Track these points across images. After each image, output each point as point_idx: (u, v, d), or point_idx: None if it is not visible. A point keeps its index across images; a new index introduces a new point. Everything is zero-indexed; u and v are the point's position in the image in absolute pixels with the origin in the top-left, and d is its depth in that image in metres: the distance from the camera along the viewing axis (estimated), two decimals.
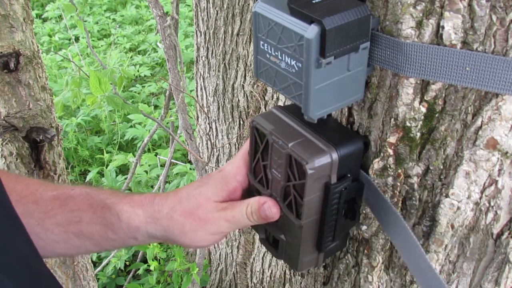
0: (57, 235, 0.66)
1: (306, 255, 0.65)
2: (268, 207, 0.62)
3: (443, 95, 0.52)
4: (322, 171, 0.57)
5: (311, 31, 0.48)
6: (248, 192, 0.68)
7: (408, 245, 0.58)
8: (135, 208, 0.66)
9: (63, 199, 0.67)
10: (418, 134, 0.55)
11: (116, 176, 2.75)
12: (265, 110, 1.72)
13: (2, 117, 1.26)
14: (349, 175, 0.59)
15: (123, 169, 3.00)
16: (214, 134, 2.01)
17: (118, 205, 0.66)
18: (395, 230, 0.60)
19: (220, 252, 2.19)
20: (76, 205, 0.67)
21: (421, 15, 0.49)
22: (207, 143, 2.12)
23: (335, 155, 0.57)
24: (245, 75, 1.73)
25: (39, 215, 0.65)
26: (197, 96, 2.06)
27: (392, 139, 0.57)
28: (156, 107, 3.39)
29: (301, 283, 0.86)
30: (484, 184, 0.54)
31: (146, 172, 2.70)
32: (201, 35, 1.87)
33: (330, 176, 0.58)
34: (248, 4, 1.61)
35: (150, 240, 0.68)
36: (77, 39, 4.34)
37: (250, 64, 1.70)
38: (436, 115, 0.53)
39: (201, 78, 1.97)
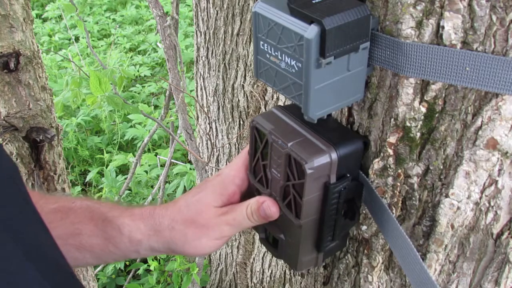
0: None
1: (306, 255, 0.65)
2: (267, 206, 0.62)
3: (443, 95, 0.52)
4: (321, 171, 0.57)
5: (311, 31, 0.48)
6: (248, 192, 0.68)
7: (403, 249, 0.58)
8: (136, 222, 0.66)
9: (64, 212, 0.67)
10: (418, 134, 0.55)
11: (116, 176, 2.75)
12: (265, 110, 1.72)
13: (2, 117, 1.26)
14: (348, 175, 0.59)
15: (123, 169, 3.00)
16: (214, 134, 2.01)
17: (119, 218, 0.66)
18: (391, 233, 0.60)
19: (220, 252, 2.19)
20: (77, 218, 0.67)
21: (421, 15, 0.49)
22: (207, 143, 2.12)
23: (334, 155, 0.57)
24: (245, 75, 1.73)
25: None
26: (197, 96, 2.06)
27: (392, 139, 0.57)
28: (156, 107, 3.39)
29: (301, 283, 0.86)
30: (484, 184, 0.54)
31: (146, 172, 2.71)
32: (201, 35, 1.87)
33: (329, 176, 0.58)
34: (248, 4, 1.61)
35: (152, 253, 0.68)
36: (77, 39, 4.34)
37: (250, 64, 1.70)
38: (436, 115, 0.53)
39: (201, 78, 1.97)
